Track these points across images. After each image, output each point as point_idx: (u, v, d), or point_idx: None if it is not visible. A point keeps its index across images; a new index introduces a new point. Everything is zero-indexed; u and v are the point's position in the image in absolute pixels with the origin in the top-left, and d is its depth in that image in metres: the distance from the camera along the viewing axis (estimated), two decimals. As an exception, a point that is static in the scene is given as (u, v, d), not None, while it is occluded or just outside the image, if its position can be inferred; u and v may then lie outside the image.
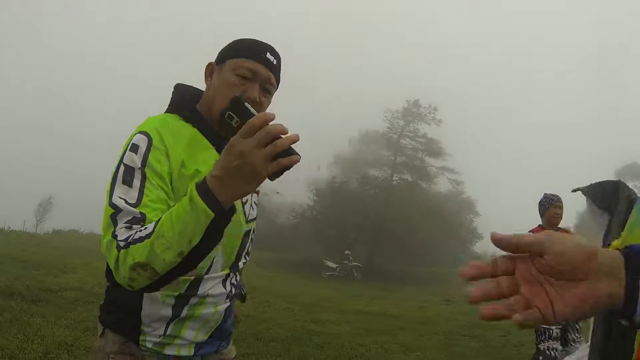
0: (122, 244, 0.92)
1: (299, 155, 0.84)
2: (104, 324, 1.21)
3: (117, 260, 0.92)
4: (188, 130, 1.15)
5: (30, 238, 16.47)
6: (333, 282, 19.78)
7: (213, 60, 1.23)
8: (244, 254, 1.28)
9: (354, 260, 23.60)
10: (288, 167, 0.83)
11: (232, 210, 0.90)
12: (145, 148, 1.04)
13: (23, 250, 11.22)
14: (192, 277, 1.14)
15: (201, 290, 1.16)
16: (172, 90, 1.25)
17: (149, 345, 1.16)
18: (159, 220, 0.91)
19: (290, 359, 4.60)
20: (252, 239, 1.31)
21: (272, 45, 1.23)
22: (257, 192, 1.31)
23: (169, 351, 1.17)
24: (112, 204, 0.98)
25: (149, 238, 0.89)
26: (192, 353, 1.20)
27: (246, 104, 0.88)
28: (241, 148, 0.81)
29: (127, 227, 0.95)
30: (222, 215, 0.87)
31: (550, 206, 3.88)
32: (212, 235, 0.89)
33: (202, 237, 0.87)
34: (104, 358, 1.18)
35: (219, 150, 1.12)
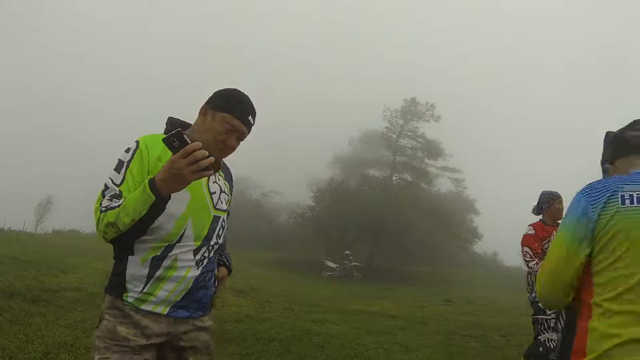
0: (103, 209, 1.45)
1: (212, 171, 1.37)
2: (105, 290, 1.59)
3: (99, 219, 1.45)
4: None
5: (30, 238, 16.47)
6: (333, 282, 19.78)
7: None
8: (214, 235, 1.65)
9: (354, 260, 23.60)
10: (204, 176, 1.38)
11: (168, 198, 1.42)
12: (134, 149, 1.56)
13: (23, 250, 11.22)
14: (166, 244, 1.53)
15: (172, 253, 1.54)
16: (167, 120, 1.72)
17: (130, 300, 1.52)
18: (126, 198, 1.44)
19: (290, 359, 4.59)
20: (223, 227, 1.70)
21: (254, 108, 1.67)
22: (229, 189, 1.78)
23: (145, 307, 1.53)
24: (105, 183, 1.52)
25: (118, 208, 1.42)
26: (166, 312, 1.55)
27: (184, 135, 1.36)
28: (178, 165, 1.33)
29: (109, 199, 1.48)
30: (160, 200, 1.40)
31: (554, 202, 3.95)
32: (153, 211, 1.41)
33: (146, 212, 1.40)
34: (100, 316, 1.57)
35: None
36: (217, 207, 1.66)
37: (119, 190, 1.48)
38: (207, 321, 1.68)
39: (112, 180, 1.51)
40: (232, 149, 1.64)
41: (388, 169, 29.21)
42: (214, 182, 1.66)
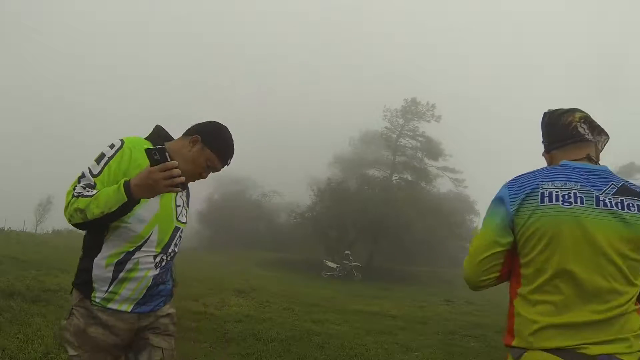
0: (75, 194, 1.57)
1: (180, 189, 1.58)
2: (73, 284, 1.75)
3: (69, 202, 1.58)
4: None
5: (30, 238, 16.48)
6: (333, 282, 19.78)
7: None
8: (172, 244, 1.83)
9: (354, 260, 23.58)
10: (173, 192, 1.64)
11: (137, 202, 1.58)
12: (117, 148, 1.69)
13: (23, 250, 11.23)
14: (130, 247, 1.69)
15: (134, 257, 1.70)
16: (154, 128, 1.89)
17: (97, 300, 1.68)
18: (99, 191, 1.57)
19: (290, 359, 4.59)
20: (180, 237, 1.89)
21: (234, 150, 1.90)
22: (188, 205, 1.98)
23: (111, 305, 1.69)
24: (83, 171, 1.65)
25: (91, 198, 1.55)
26: (130, 310, 1.73)
27: (167, 152, 1.52)
28: (155, 176, 1.50)
29: (82, 187, 1.60)
30: (131, 202, 1.54)
31: None
32: (121, 210, 1.55)
33: (115, 209, 1.54)
34: (70, 310, 1.74)
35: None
36: (179, 219, 1.86)
37: (94, 182, 1.63)
38: (168, 309, 1.90)
39: (90, 170, 1.66)
40: (203, 179, 1.89)
41: (388, 169, 29.17)
42: (179, 197, 1.87)
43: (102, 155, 1.67)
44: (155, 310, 1.82)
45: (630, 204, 1.34)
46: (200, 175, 1.85)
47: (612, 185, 1.37)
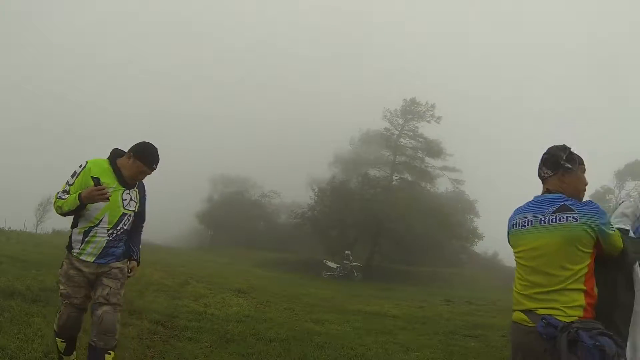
0: (58, 196, 2.94)
1: (108, 200, 2.90)
2: (66, 248, 3.07)
3: (54, 201, 2.97)
4: (107, 166, 3.06)
5: (31, 238, 16.49)
6: (333, 282, 19.78)
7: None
8: (121, 223, 3.05)
9: (354, 260, 23.60)
10: (104, 201, 2.90)
11: (85, 205, 2.88)
12: (82, 167, 2.99)
13: (23, 250, 11.22)
14: (92, 224, 2.96)
15: (94, 229, 2.98)
16: (111, 151, 3.13)
17: (74, 253, 2.98)
18: (69, 196, 2.90)
19: (290, 359, 4.59)
20: (129, 219, 3.10)
21: (159, 158, 3.10)
22: (139, 198, 3.18)
23: (82, 257, 2.97)
24: (66, 181, 2.99)
25: (64, 200, 2.90)
26: (92, 260, 2.98)
27: (101, 182, 2.94)
28: (93, 193, 2.83)
29: (62, 192, 2.96)
30: (81, 205, 2.88)
31: None
32: (77, 209, 2.90)
33: (74, 209, 2.89)
34: (62, 262, 3.06)
35: (116, 177, 3.03)
36: (125, 207, 3.07)
37: (69, 189, 2.96)
38: (118, 265, 3.08)
39: (67, 181, 2.99)
40: (141, 180, 3.15)
41: (388, 169, 29.16)
42: (127, 194, 3.06)
43: (75, 173, 2.98)
44: (109, 263, 3.02)
45: (562, 217, 2.13)
46: (137, 178, 3.09)
47: (553, 207, 2.17)
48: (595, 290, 2.12)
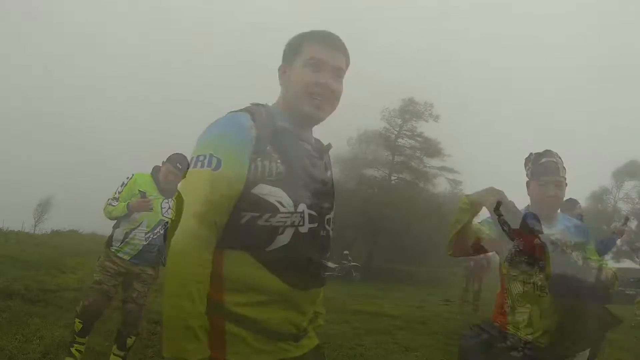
0: (109, 203, 3.50)
1: (151, 211, 3.49)
2: (105, 244, 3.60)
3: (105, 207, 3.51)
4: (149, 178, 3.65)
5: (29, 238, 16.45)
6: (332, 282, 19.76)
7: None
8: (158, 227, 3.50)
9: (352, 260, 23.59)
10: (148, 211, 3.48)
11: (132, 212, 3.44)
12: (129, 179, 3.59)
13: (22, 250, 11.21)
14: (133, 227, 3.46)
15: (134, 231, 3.47)
16: (153, 168, 3.70)
17: (113, 250, 3.49)
18: (118, 204, 3.46)
19: (290, 359, 4.59)
20: (166, 225, 3.42)
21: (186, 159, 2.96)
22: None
23: (119, 254, 3.47)
24: (116, 189, 3.56)
25: (114, 207, 3.47)
26: (128, 259, 3.47)
27: (146, 193, 3.69)
28: (139, 204, 3.43)
29: (112, 199, 3.51)
30: (130, 213, 3.44)
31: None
32: (126, 215, 3.45)
33: (122, 215, 3.45)
34: (100, 254, 3.59)
35: (157, 187, 3.60)
36: (164, 214, 3.52)
37: (117, 198, 3.49)
38: (150, 270, 3.55)
39: (117, 190, 3.52)
40: (173, 182, 3.51)
41: (387, 169, 29.17)
42: (166, 202, 3.54)
43: (123, 183, 3.54)
44: (142, 265, 3.50)
45: None
46: (167, 178, 3.54)
47: None
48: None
